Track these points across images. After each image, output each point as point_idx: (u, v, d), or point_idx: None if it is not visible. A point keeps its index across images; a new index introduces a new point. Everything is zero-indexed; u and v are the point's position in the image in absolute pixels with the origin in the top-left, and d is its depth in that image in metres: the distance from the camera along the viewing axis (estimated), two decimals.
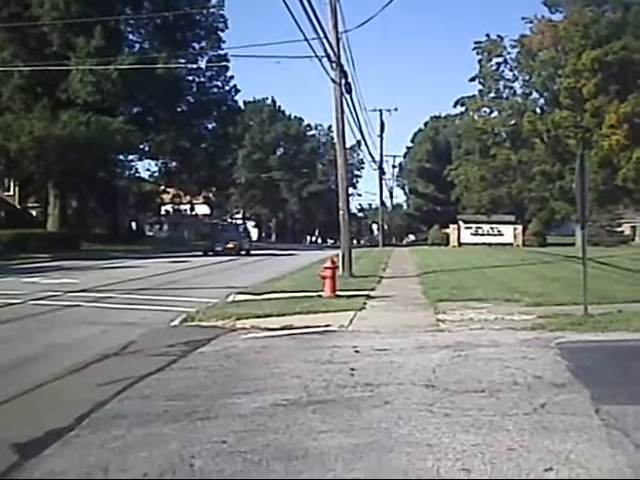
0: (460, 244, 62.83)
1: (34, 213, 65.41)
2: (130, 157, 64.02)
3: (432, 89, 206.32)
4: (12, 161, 52.47)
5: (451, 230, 66.69)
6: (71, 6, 49.75)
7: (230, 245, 46.33)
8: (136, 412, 7.14)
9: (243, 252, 47.64)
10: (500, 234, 63.55)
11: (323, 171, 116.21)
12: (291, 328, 12.70)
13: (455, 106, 76.69)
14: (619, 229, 70.22)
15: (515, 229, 64.32)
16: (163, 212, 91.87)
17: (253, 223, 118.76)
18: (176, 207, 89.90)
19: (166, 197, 79.90)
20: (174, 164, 65.97)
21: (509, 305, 15.19)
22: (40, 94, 52.90)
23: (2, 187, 63.95)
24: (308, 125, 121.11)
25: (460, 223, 66.14)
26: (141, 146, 60.98)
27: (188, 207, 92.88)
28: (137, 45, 60.30)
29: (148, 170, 73.29)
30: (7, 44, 50.43)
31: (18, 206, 65.78)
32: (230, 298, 17.67)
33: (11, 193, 65.62)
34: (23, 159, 51.49)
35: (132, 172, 66.79)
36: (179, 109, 62.40)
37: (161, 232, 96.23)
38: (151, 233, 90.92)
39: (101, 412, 7.22)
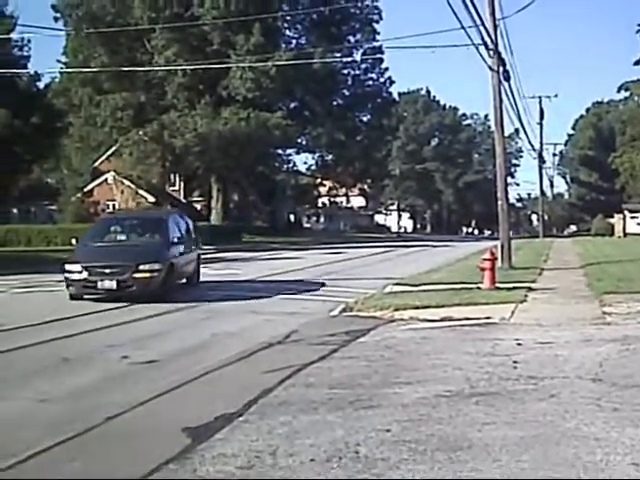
0: (625, 234, 60.24)
1: (198, 207, 68.00)
2: (288, 151, 65.42)
3: (594, 74, 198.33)
4: (177, 157, 54.82)
5: (616, 220, 64.07)
6: (230, 5, 51.28)
7: (143, 273, 16.76)
8: (301, 399, 7.34)
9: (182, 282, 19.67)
10: None
11: (479, 161, 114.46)
12: (450, 320, 12.64)
13: (619, 91, 73.67)
14: None
15: None
16: (320, 204, 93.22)
17: (408, 215, 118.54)
18: (332, 199, 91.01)
19: (322, 190, 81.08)
20: (330, 157, 66.76)
21: None
22: (202, 92, 54.89)
23: (168, 182, 66.82)
24: (463, 114, 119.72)
25: (625, 212, 63.49)
26: (298, 140, 62.16)
27: (344, 199, 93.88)
28: (294, 41, 61.65)
29: (305, 163, 74.68)
30: (170, 44, 52.53)
31: (183, 200, 68.57)
32: (387, 289, 17.75)
33: (176, 188, 68.48)
34: (187, 155, 53.72)
35: (290, 166, 68.20)
36: (335, 102, 63.11)
37: (318, 224, 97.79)
38: (308, 225, 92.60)
39: (268, 399, 7.46)
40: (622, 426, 6.09)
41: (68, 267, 16.96)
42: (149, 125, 53.53)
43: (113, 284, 16.48)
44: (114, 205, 56.79)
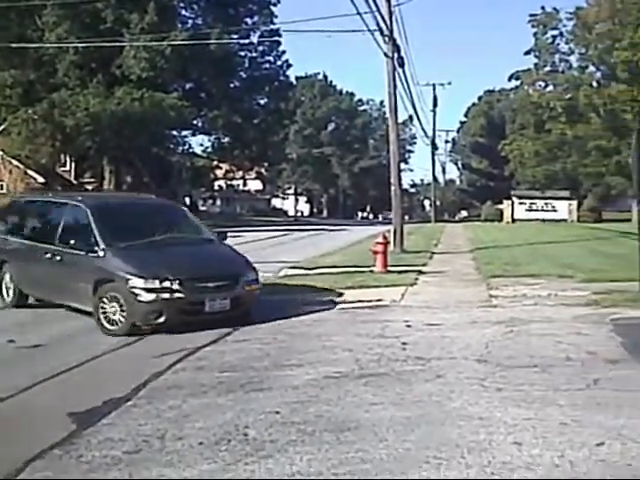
0: (514, 220, 62.14)
1: (90, 188, 66.31)
2: (183, 133, 64.48)
3: (486, 63, 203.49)
4: (68, 137, 53.31)
5: (505, 206, 66.00)
6: None
7: (252, 285, 11.49)
8: (191, 383, 7.31)
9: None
10: (554, 210, 62.73)
11: (375, 146, 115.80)
12: (343, 302, 12.79)
13: (510, 80, 75.48)
14: None
15: (570, 205, 63.43)
16: (216, 187, 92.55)
17: (305, 199, 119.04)
18: (229, 182, 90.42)
19: (219, 172, 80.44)
20: (227, 139, 66.20)
21: (563, 281, 15.05)
22: (95, 70, 53.48)
23: (59, 162, 64.92)
24: (360, 100, 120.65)
25: (514, 199, 65.39)
26: (194, 122, 61.37)
27: (241, 182, 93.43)
28: (190, 21, 60.56)
29: (201, 145, 73.86)
30: (62, 20, 50.86)
31: (74, 181, 66.78)
32: (282, 272, 17.80)
33: (67, 168, 66.63)
34: (79, 135, 52.26)
35: (185, 148, 67.30)
36: (232, 85, 62.53)
37: (214, 207, 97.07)
38: (204, 208, 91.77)
39: (157, 382, 7.41)
40: (505, 406, 6.30)
41: (141, 283, 10.42)
42: (39, 104, 51.77)
43: (226, 304, 10.86)
44: (1, 186, 54.88)
